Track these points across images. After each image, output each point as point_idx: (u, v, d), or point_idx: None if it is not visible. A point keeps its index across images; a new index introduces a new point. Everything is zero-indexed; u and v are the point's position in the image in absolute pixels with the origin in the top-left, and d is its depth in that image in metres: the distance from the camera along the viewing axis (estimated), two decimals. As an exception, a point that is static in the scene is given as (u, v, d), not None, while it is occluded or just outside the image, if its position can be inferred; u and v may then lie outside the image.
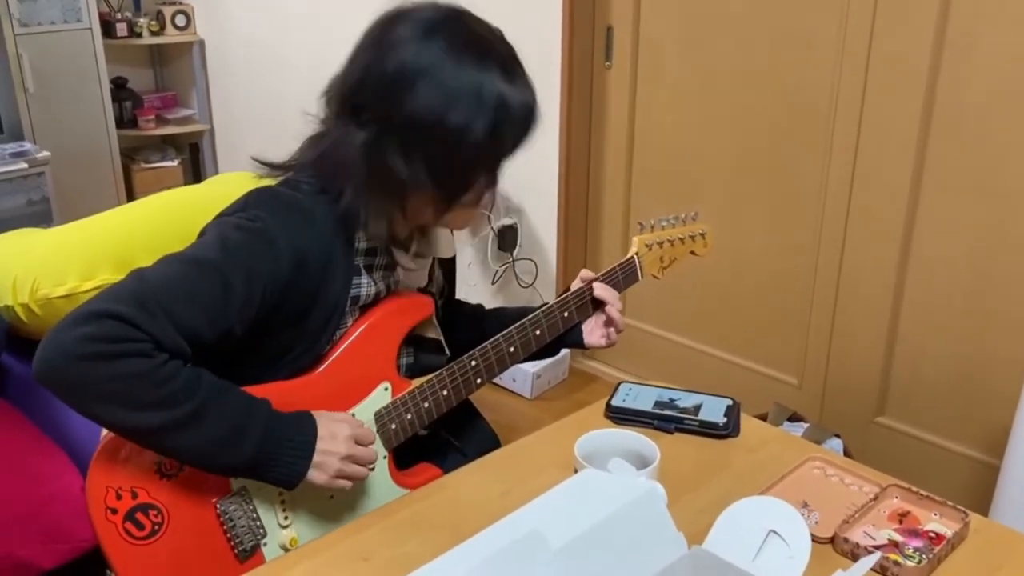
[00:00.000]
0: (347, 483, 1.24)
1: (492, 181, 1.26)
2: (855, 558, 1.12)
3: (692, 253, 1.59)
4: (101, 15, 3.71)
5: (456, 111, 1.16)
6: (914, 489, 1.23)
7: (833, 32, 2.28)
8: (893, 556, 1.12)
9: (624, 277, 1.50)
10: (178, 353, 1.13)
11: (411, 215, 1.27)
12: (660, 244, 1.54)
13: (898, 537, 1.16)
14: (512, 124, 1.20)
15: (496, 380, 2.63)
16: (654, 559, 0.94)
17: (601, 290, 1.44)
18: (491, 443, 1.52)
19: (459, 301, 1.61)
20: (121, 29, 3.87)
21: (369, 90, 1.19)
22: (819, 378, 2.56)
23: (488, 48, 1.19)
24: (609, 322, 1.47)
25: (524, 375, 2.93)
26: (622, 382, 1.50)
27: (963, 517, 1.18)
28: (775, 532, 1.04)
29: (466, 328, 1.53)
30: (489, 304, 1.64)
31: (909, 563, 1.11)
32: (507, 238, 3.03)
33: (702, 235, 1.59)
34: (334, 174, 1.23)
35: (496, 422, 1.64)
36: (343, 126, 1.22)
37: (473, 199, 1.26)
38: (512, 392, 2.98)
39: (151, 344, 1.11)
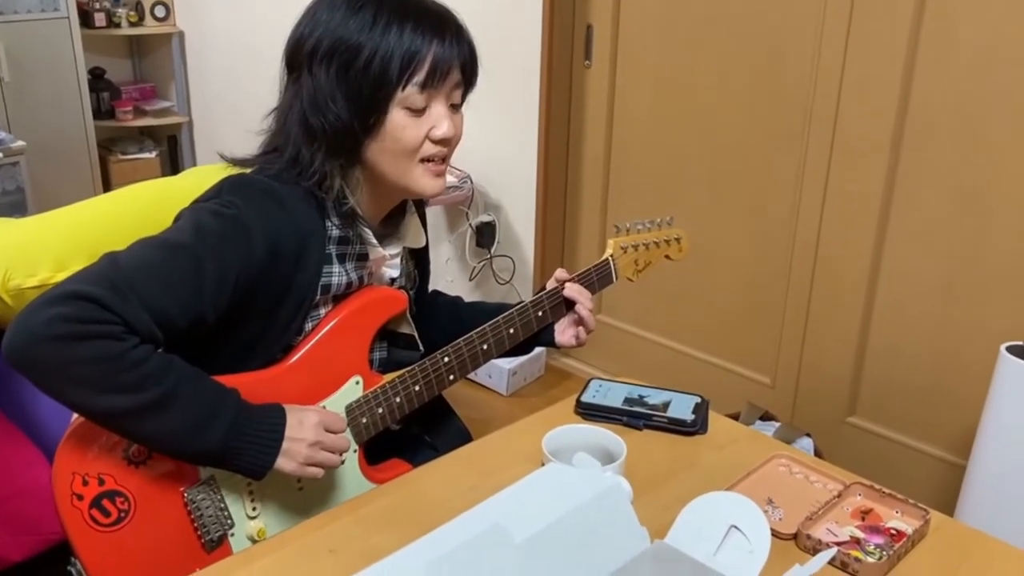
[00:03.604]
0: (318, 471, 1.24)
1: (414, 104, 1.24)
2: (816, 554, 1.13)
3: (667, 257, 1.60)
4: (79, 4, 3.68)
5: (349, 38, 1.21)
6: (876, 487, 1.25)
7: (811, 32, 2.30)
8: (854, 552, 1.13)
9: (599, 279, 1.51)
10: (149, 337, 1.13)
11: (366, 162, 1.28)
12: (635, 247, 1.55)
13: (860, 534, 1.18)
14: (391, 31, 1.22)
15: (472, 376, 2.64)
16: (617, 553, 0.95)
17: (571, 290, 1.45)
18: (463, 440, 1.53)
19: (437, 292, 1.62)
20: (99, 19, 3.84)
21: (290, 49, 1.28)
22: (792, 378, 2.58)
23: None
24: (579, 321, 1.48)
25: (500, 372, 2.94)
26: (592, 378, 1.51)
27: (924, 515, 1.20)
28: (736, 527, 1.05)
29: (443, 320, 1.53)
30: (467, 300, 1.64)
31: (869, 559, 1.12)
32: (485, 235, 3.04)
33: (677, 240, 1.60)
34: (287, 137, 1.27)
35: (471, 418, 1.65)
36: (284, 93, 1.30)
37: (400, 126, 1.24)
38: (488, 388, 2.99)
39: (122, 327, 1.11)
